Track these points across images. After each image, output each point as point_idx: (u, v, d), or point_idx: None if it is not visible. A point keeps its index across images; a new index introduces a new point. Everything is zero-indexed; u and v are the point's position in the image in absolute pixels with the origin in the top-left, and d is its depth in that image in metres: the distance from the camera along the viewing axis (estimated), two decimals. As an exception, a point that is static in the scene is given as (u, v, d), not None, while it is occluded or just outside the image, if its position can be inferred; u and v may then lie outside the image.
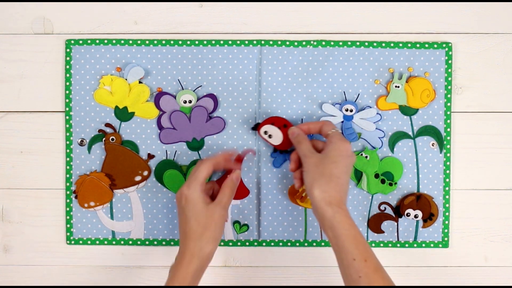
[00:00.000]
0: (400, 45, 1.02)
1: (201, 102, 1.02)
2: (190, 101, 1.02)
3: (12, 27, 1.03)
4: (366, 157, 1.01)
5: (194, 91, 1.02)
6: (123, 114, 1.03)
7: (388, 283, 0.84)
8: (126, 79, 1.02)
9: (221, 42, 1.02)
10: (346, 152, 0.90)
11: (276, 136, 1.00)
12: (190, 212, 0.91)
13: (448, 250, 1.04)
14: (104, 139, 1.02)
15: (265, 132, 1.00)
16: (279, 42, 1.02)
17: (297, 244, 1.04)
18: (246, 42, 1.02)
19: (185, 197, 0.91)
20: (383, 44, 1.02)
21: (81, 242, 1.04)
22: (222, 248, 1.05)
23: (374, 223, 1.03)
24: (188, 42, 1.02)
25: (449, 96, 1.02)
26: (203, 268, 0.92)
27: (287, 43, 1.02)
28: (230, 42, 1.02)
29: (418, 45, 1.02)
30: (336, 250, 0.86)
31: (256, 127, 1.01)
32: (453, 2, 1.02)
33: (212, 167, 0.94)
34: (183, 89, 1.02)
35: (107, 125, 1.02)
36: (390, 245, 1.04)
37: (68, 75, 1.02)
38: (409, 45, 1.02)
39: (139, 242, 1.04)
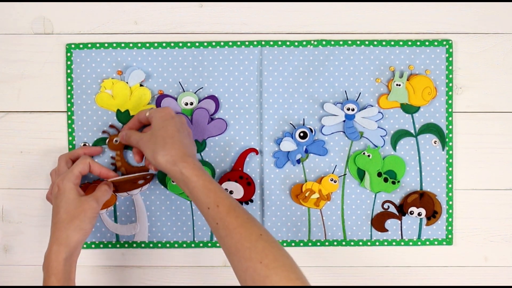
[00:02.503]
0: (401, 43, 1.02)
1: (202, 104, 1.02)
2: (191, 103, 1.02)
3: (12, 27, 1.03)
4: (369, 156, 1.01)
5: (195, 93, 1.02)
6: (125, 117, 1.02)
7: (242, 221, 0.85)
8: (127, 83, 1.02)
9: (222, 43, 1.02)
10: (168, 115, 0.93)
11: (236, 190, 1.03)
12: (61, 202, 0.91)
13: (448, 250, 1.04)
14: (107, 140, 1.02)
15: (225, 190, 1.01)
16: (280, 43, 1.02)
17: (301, 244, 1.04)
18: (247, 43, 1.02)
19: (58, 187, 0.93)
20: (384, 43, 1.02)
21: (85, 246, 1.04)
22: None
23: (378, 222, 1.03)
24: (189, 44, 1.02)
25: (450, 93, 1.02)
26: (73, 257, 0.91)
27: (288, 43, 1.02)
28: (230, 43, 1.02)
29: (418, 43, 1.02)
30: (195, 203, 0.89)
31: None
32: (453, 2, 1.03)
33: (88, 165, 0.96)
34: (184, 91, 1.02)
35: (111, 126, 1.02)
36: (394, 243, 1.04)
37: (69, 79, 1.02)
38: (410, 43, 1.02)
39: (143, 245, 1.04)
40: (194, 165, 0.88)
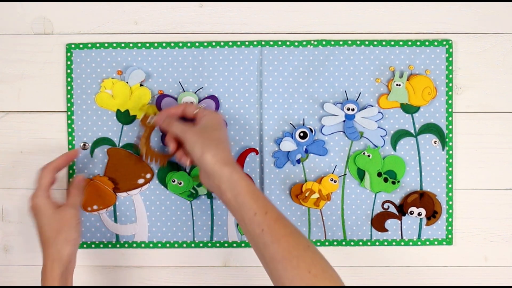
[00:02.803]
0: (401, 43, 1.02)
1: (202, 104, 1.02)
2: (191, 103, 1.02)
3: (12, 27, 1.03)
4: (369, 156, 1.01)
5: (195, 93, 1.02)
6: (125, 117, 1.02)
7: (290, 230, 0.84)
8: (127, 82, 1.02)
9: (222, 43, 1.02)
10: (222, 121, 0.96)
11: None
12: (41, 220, 0.92)
13: (448, 250, 1.04)
14: (142, 116, 1.00)
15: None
16: (280, 43, 1.02)
17: (301, 244, 1.04)
18: (247, 43, 1.02)
19: (32, 207, 0.93)
20: (384, 43, 1.02)
21: (85, 246, 1.04)
22: (222, 249, 1.05)
23: (378, 222, 1.03)
24: (189, 44, 1.02)
25: (450, 93, 1.02)
26: (68, 271, 0.93)
27: (288, 43, 1.02)
28: (230, 43, 1.02)
29: (418, 43, 1.02)
30: (236, 209, 0.87)
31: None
32: (453, 2, 1.03)
33: (54, 171, 0.96)
34: (184, 91, 1.02)
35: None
36: (394, 243, 1.04)
37: (69, 79, 1.02)
38: (410, 43, 1.02)
39: (143, 245, 1.04)
40: (242, 171, 0.89)
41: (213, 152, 0.88)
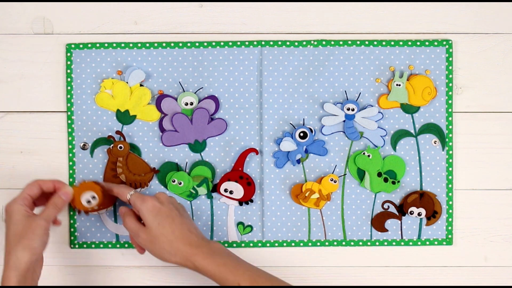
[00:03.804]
0: (401, 43, 1.02)
1: (202, 104, 1.02)
2: (191, 103, 1.02)
3: (12, 27, 1.03)
4: (369, 156, 1.01)
5: (195, 93, 1.02)
6: (125, 117, 1.02)
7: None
8: (127, 82, 1.02)
9: (222, 43, 1.02)
10: (156, 209, 0.93)
11: (237, 190, 1.03)
12: (9, 224, 0.91)
13: (448, 250, 1.04)
14: (112, 146, 1.01)
15: (225, 190, 1.02)
16: (280, 43, 1.02)
17: (301, 244, 1.04)
18: (247, 43, 1.02)
19: (6, 209, 0.92)
20: (384, 43, 1.02)
21: (85, 246, 1.04)
22: (224, 248, 1.05)
23: (378, 222, 1.03)
24: (189, 44, 1.02)
25: (450, 93, 1.02)
26: (26, 280, 0.88)
27: (288, 43, 1.02)
28: (230, 43, 1.02)
29: (418, 43, 1.02)
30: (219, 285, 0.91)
31: (215, 189, 1.03)
32: (453, 2, 1.03)
33: (39, 187, 0.94)
34: (184, 91, 1.02)
35: (117, 132, 1.02)
36: (394, 243, 1.04)
37: (69, 79, 1.02)
38: (410, 43, 1.02)
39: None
40: (203, 254, 0.90)
41: (169, 254, 0.91)
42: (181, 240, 0.91)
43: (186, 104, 1.02)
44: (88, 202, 0.98)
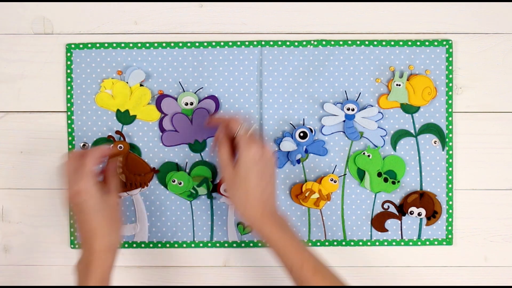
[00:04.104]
0: (401, 43, 1.02)
1: (202, 104, 1.02)
2: (191, 103, 1.02)
3: (12, 27, 1.03)
4: (369, 156, 1.01)
5: (195, 93, 1.02)
6: (125, 117, 1.02)
7: (329, 281, 0.84)
8: (127, 82, 1.02)
9: (222, 43, 1.02)
10: (253, 159, 0.89)
11: None
12: (91, 208, 0.88)
13: (448, 250, 1.04)
14: (111, 145, 1.02)
15: (225, 190, 1.02)
16: (280, 43, 1.02)
17: (301, 244, 1.04)
18: (247, 43, 1.02)
19: (79, 193, 0.87)
20: (384, 43, 1.02)
21: (85, 246, 1.04)
22: (222, 249, 1.05)
23: (378, 222, 1.03)
24: (189, 44, 1.02)
25: (450, 93, 1.02)
26: (115, 261, 0.91)
27: (288, 43, 1.02)
28: (230, 43, 1.02)
29: (418, 43, 1.02)
30: (279, 262, 0.89)
31: (215, 189, 1.03)
32: (453, 2, 1.03)
33: (100, 158, 0.93)
34: (184, 91, 1.02)
35: (117, 132, 1.02)
36: (394, 243, 1.04)
37: (69, 79, 1.02)
38: (410, 43, 1.02)
39: (143, 245, 1.04)
40: (275, 222, 0.88)
41: (242, 208, 0.89)
42: (258, 200, 0.89)
43: (186, 104, 1.02)
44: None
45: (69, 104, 1.02)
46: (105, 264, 0.88)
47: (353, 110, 1.02)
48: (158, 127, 1.02)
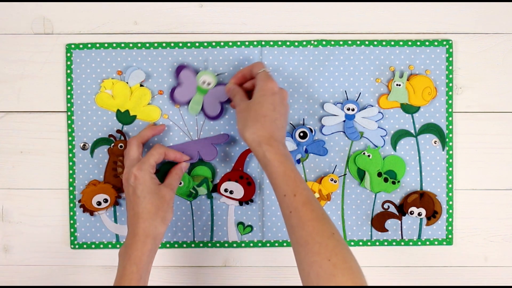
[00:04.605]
0: (401, 43, 1.02)
1: (218, 88, 1.01)
2: (209, 84, 1.01)
3: (12, 27, 1.03)
4: (369, 156, 1.01)
5: (217, 75, 1.02)
6: (125, 117, 1.02)
7: (316, 215, 0.84)
8: (127, 83, 1.02)
9: (222, 43, 1.02)
10: (270, 91, 0.91)
11: (237, 190, 1.03)
12: (142, 193, 0.91)
13: (448, 250, 1.04)
14: (112, 145, 1.02)
15: (225, 190, 1.02)
16: (280, 43, 1.02)
17: (301, 244, 1.04)
18: (247, 43, 1.02)
19: (136, 177, 0.92)
20: (384, 43, 1.02)
21: (85, 246, 1.04)
22: (222, 249, 1.05)
23: (378, 222, 1.03)
24: (189, 44, 1.02)
25: (450, 93, 1.02)
26: (156, 249, 0.93)
27: (288, 43, 1.02)
28: (230, 43, 1.02)
29: (418, 43, 1.02)
30: (273, 188, 0.88)
31: (215, 189, 1.03)
32: (453, 2, 1.03)
33: (163, 155, 0.96)
34: (206, 70, 1.02)
35: (118, 131, 1.02)
36: (394, 243, 1.04)
37: (69, 79, 1.02)
38: (410, 43, 1.02)
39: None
40: (278, 149, 0.88)
41: (250, 130, 0.89)
42: (266, 128, 0.89)
43: (204, 83, 1.01)
44: (99, 204, 1.01)
45: (69, 104, 1.02)
46: (144, 248, 0.90)
47: (353, 110, 1.02)
48: (168, 96, 1.02)
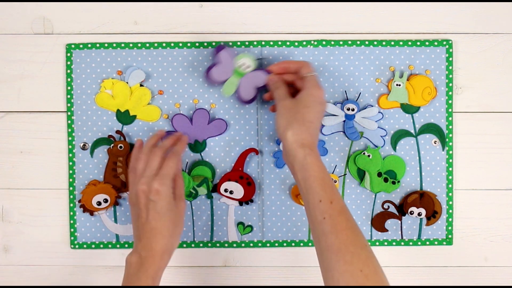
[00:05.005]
0: (401, 43, 1.02)
1: (255, 73, 0.99)
2: (248, 67, 0.99)
3: (12, 27, 1.03)
4: (369, 156, 1.01)
5: (258, 59, 1.02)
6: (125, 117, 1.02)
7: (351, 225, 0.84)
8: (127, 83, 1.02)
9: (222, 43, 1.02)
10: (319, 98, 0.91)
11: (237, 190, 1.03)
12: (162, 209, 0.90)
13: (448, 250, 1.04)
14: (112, 145, 1.02)
15: (225, 190, 1.02)
16: (280, 43, 1.02)
17: (301, 244, 1.04)
18: (247, 43, 1.02)
19: (157, 192, 0.90)
20: (384, 43, 1.02)
21: (85, 246, 1.04)
22: (222, 249, 1.05)
23: (378, 222, 1.03)
24: (189, 44, 1.02)
25: (450, 93, 1.02)
26: (168, 262, 0.93)
27: (288, 43, 1.02)
28: (230, 43, 1.02)
29: (418, 43, 1.02)
30: (304, 192, 0.87)
31: (215, 189, 1.03)
32: (453, 2, 1.03)
33: (180, 162, 0.96)
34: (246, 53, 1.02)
35: (118, 132, 1.02)
36: (394, 243, 1.04)
37: (69, 79, 1.02)
38: (410, 43, 1.02)
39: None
40: (318, 156, 0.88)
41: (294, 131, 0.88)
42: (312, 132, 0.89)
43: (243, 65, 0.98)
44: (99, 204, 1.01)
45: (69, 104, 1.02)
46: (160, 264, 0.90)
47: (353, 110, 1.02)
48: (203, 75, 1.02)
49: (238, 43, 1.02)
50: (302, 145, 0.87)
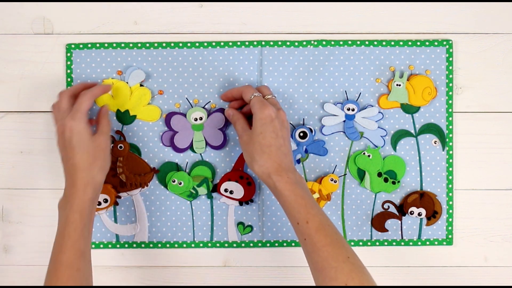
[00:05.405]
0: (401, 43, 1.02)
1: (212, 118, 1.02)
2: (201, 118, 1.02)
3: (12, 27, 1.03)
4: (369, 156, 1.01)
5: (203, 107, 1.02)
6: (125, 117, 1.02)
7: (330, 240, 0.85)
8: (127, 83, 1.02)
9: (222, 43, 1.02)
10: (268, 118, 0.91)
11: (237, 190, 1.03)
12: (77, 143, 0.91)
13: (448, 250, 1.04)
14: (112, 145, 1.02)
15: (226, 190, 1.02)
16: (280, 43, 1.02)
17: (302, 244, 1.04)
18: (247, 43, 1.02)
19: (70, 128, 0.91)
20: (384, 43, 1.02)
21: (85, 246, 1.04)
22: (222, 249, 1.05)
23: (378, 222, 1.03)
24: (189, 44, 1.02)
25: (450, 93, 1.02)
26: (96, 198, 0.93)
27: (288, 43, 1.02)
28: (230, 43, 1.02)
29: (418, 43, 1.02)
30: (287, 216, 0.90)
31: (215, 189, 1.03)
32: (453, 2, 1.03)
33: (93, 99, 0.95)
34: (192, 106, 1.02)
35: (117, 132, 1.02)
36: (394, 243, 1.04)
37: (69, 79, 1.02)
38: (410, 43, 1.02)
39: (143, 245, 1.04)
40: (288, 178, 0.89)
41: (257, 163, 0.91)
42: (273, 158, 0.90)
43: (196, 119, 1.02)
44: (99, 204, 1.01)
45: (69, 104, 1.02)
46: (84, 197, 0.90)
47: (353, 110, 1.02)
48: (170, 145, 1.03)
49: (238, 43, 1.02)
50: (268, 175, 0.90)
